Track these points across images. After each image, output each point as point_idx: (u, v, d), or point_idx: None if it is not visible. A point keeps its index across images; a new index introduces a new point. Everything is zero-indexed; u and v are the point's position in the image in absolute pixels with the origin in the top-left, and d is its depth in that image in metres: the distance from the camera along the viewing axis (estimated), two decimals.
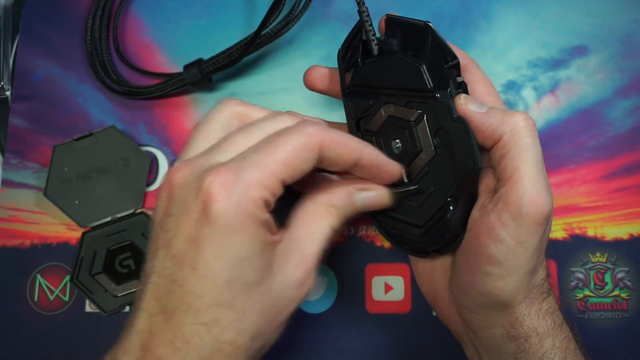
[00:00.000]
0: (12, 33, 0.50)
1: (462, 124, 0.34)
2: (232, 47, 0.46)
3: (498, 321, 0.36)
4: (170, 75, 0.48)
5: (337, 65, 0.40)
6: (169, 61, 0.50)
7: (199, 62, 0.46)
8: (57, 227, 0.47)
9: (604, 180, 0.46)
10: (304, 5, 0.46)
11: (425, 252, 0.39)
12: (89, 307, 0.45)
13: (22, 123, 0.49)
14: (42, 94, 0.49)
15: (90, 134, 0.47)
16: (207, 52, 0.48)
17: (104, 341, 0.45)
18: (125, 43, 0.50)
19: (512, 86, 0.48)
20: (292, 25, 0.46)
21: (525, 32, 0.49)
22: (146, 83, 0.49)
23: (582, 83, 0.48)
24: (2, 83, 0.49)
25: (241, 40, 0.46)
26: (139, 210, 0.46)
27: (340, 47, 0.39)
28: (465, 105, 0.35)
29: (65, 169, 0.46)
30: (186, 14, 0.50)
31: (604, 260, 0.45)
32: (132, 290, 0.45)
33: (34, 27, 0.50)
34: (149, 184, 0.47)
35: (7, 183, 0.48)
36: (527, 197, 0.33)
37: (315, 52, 0.49)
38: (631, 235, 0.45)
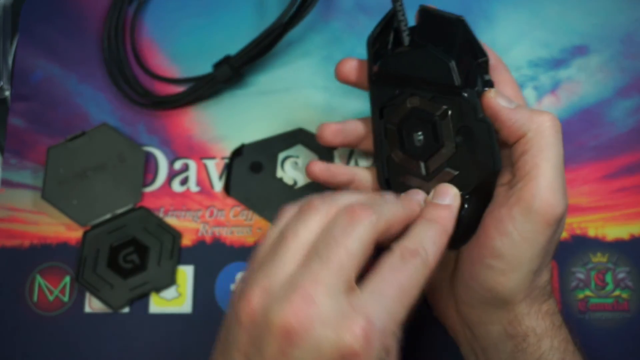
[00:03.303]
0: (12, 32, 0.50)
1: (486, 125, 0.35)
2: (258, 38, 0.45)
3: (496, 318, 0.36)
4: (199, 78, 0.47)
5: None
6: (169, 60, 0.50)
7: (227, 59, 0.46)
8: (56, 227, 0.47)
9: (604, 180, 0.46)
10: None
11: None
12: (88, 308, 0.45)
13: (21, 123, 0.49)
14: (41, 94, 0.49)
15: (83, 133, 0.47)
16: (208, 52, 0.48)
17: (103, 341, 0.44)
18: (127, 46, 0.50)
19: None
20: (311, 10, 0.45)
21: (526, 31, 0.48)
22: (169, 91, 0.49)
23: (583, 83, 0.48)
24: (1, 83, 0.49)
25: (266, 30, 0.45)
26: (138, 205, 0.46)
27: (370, 33, 0.38)
28: (495, 99, 0.35)
29: (61, 170, 0.46)
30: (185, 14, 0.50)
31: (605, 260, 0.45)
32: (139, 284, 0.45)
33: (33, 27, 0.50)
34: (148, 183, 0.47)
35: (6, 183, 0.48)
36: (541, 195, 0.33)
37: (316, 52, 0.49)
38: (632, 235, 0.45)
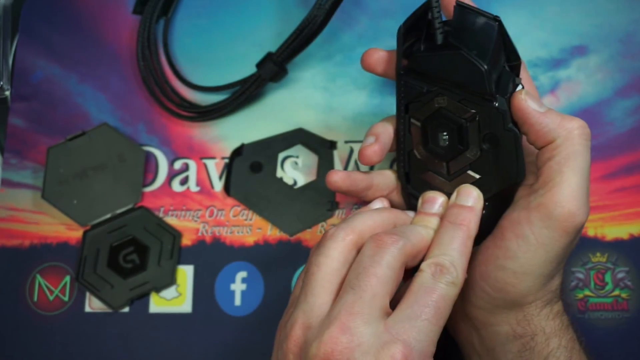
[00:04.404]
0: (12, 33, 0.50)
1: (514, 135, 0.35)
2: (296, 32, 0.45)
3: (504, 319, 0.36)
4: (244, 81, 0.47)
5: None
6: (172, 62, 0.50)
7: (270, 56, 0.46)
8: (56, 227, 0.47)
9: (604, 180, 0.46)
10: None
11: None
12: (88, 307, 0.45)
13: (21, 123, 0.49)
14: (41, 94, 0.49)
15: (84, 133, 0.47)
16: (208, 52, 0.48)
17: (103, 341, 0.45)
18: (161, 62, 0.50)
19: None
20: None
21: (525, 31, 0.48)
22: (209, 99, 0.49)
23: (582, 83, 0.48)
24: (1, 83, 0.49)
25: (302, 23, 0.44)
26: (138, 205, 0.47)
27: (402, 24, 0.37)
28: (525, 101, 0.35)
29: (61, 170, 0.46)
30: (186, 14, 0.50)
31: (604, 260, 0.45)
32: (139, 284, 0.45)
33: (33, 27, 0.50)
34: (148, 183, 0.47)
35: (7, 183, 0.48)
36: (563, 204, 0.33)
37: (316, 52, 0.49)
38: (631, 235, 0.45)
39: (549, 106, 0.47)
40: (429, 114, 0.37)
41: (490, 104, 0.35)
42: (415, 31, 0.37)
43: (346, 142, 0.47)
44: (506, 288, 0.35)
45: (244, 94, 0.47)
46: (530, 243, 0.34)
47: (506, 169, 0.35)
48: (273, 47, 0.46)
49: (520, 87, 0.36)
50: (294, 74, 0.49)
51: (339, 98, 0.48)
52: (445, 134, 0.37)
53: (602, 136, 0.47)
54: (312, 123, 0.48)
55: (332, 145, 0.47)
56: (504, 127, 0.35)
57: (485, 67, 0.34)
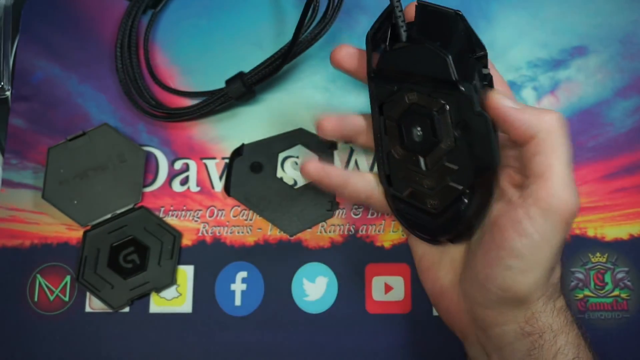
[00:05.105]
0: (12, 33, 0.51)
1: (484, 119, 0.35)
2: (271, 57, 0.45)
3: (512, 318, 0.36)
4: (212, 93, 0.47)
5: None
6: (168, 60, 0.50)
7: (240, 75, 0.46)
8: (57, 227, 0.47)
9: (603, 180, 0.46)
10: (337, 5, 0.45)
11: (437, 240, 0.39)
12: (89, 307, 0.45)
13: (22, 123, 0.49)
14: (42, 95, 0.49)
15: (84, 133, 0.47)
16: (209, 52, 0.48)
17: (103, 341, 0.45)
18: (140, 55, 0.50)
19: (512, 86, 0.47)
20: (329, 28, 0.45)
21: (525, 32, 0.49)
22: (177, 101, 0.48)
23: (582, 83, 0.48)
24: (2, 83, 0.49)
25: (280, 50, 0.45)
26: (138, 205, 0.47)
27: (369, 29, 0.38)
28: (501, 100, 0.35)
29: (62, 170, 0.46)
30: (186, 14, 0.50)
31: (604, 260, 0.45)
32: (139, 284, 0.45)
33: (33, 27, 0.50)
34: (148, 183, 0.47)
35: (7, 183, 0.48)
36: (559, 195, 0.34)
37: (316, 52, 0.49)
38: (631, 235, 0.45)
39: (549, 107, 0.47)
40: (402, 111, 0.38)
41: (457, 92, 0.35)
42: (382, 35, 0.38)
43: (346, 142, 0.47)
44: (514, 287, 0.35)
45: (208, 106, 0.47)
46: (534, 239, 0.34)
47: (482, 154, 0.35)
48: (271, 46, 0.46)
49: (487, 73, 0.36)
50: (294, 74, 0.49)
51: (339, 98, 0.48)
52: (418, 128, 0.37)
53: (602, 136, 0.47)
54: (312, 123, 0.48)
55: (332, 145, 0.47)
56: (473, 111, 0.35)
57: (449, 55, 0.35)
